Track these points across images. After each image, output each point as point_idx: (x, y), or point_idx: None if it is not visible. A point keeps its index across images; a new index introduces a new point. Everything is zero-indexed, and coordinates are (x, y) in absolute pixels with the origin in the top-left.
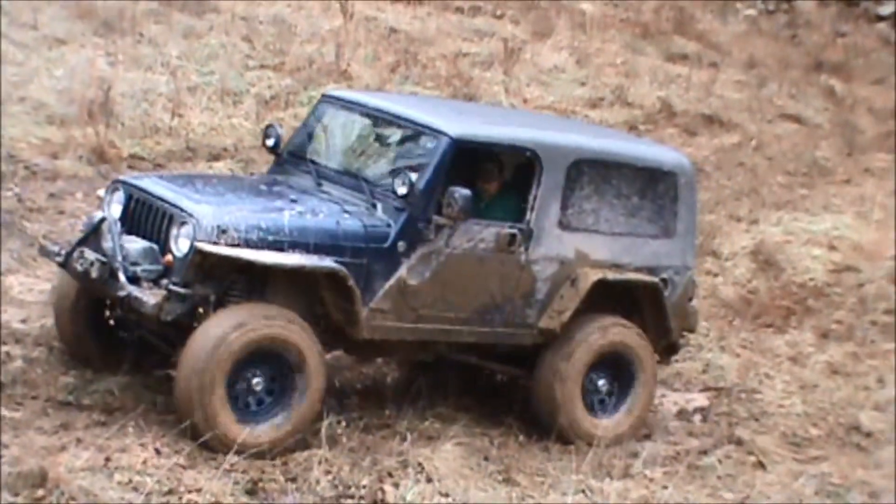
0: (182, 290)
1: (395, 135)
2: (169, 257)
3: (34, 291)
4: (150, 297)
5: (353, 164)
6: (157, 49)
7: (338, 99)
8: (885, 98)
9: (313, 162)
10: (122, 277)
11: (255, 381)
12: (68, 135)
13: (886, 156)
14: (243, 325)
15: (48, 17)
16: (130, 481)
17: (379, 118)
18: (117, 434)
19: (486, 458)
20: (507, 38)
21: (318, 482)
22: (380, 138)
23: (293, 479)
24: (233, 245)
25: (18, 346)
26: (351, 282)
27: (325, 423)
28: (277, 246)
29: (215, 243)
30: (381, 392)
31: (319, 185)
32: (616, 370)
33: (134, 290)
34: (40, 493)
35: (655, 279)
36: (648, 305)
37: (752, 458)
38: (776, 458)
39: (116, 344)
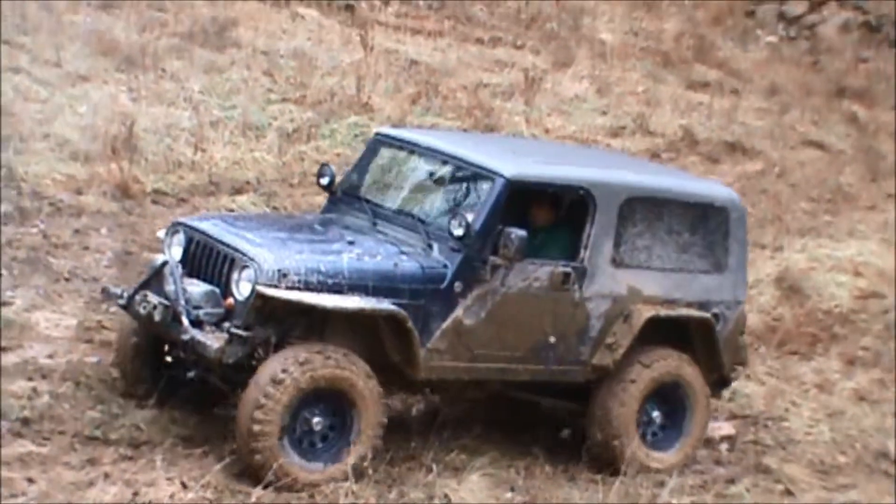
0: (243, 333)
1: (449, 174)
2: (230, 300)
3: (60, 327)
4: (213, 340)
5: (407, 203)
6: (179, 84)
7: (391, 138)
8: None
9: (367, 201)
10: (185, 321)
11: (314, 420)
12: (92, 171)
13: None
14: (305, 363)
15: (71, 55)
16: None
17: (432, 157)
18: (144, 468)
19: (512, 489)
20: (527, 69)
21: None
22: (434, 178)
23: None
24: (293, 288)
25: (45, 381)
26: (410, 324)
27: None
28: (336, 288)
29: (276, 287)
30: (406, 424)
31: (374, 224)
32: (670, 402)
33: (197, 334)
34: None
35: (707, 314)
36: (700, 340)
37: (780, 487)
38: (804, 486)
39: (174, 383)
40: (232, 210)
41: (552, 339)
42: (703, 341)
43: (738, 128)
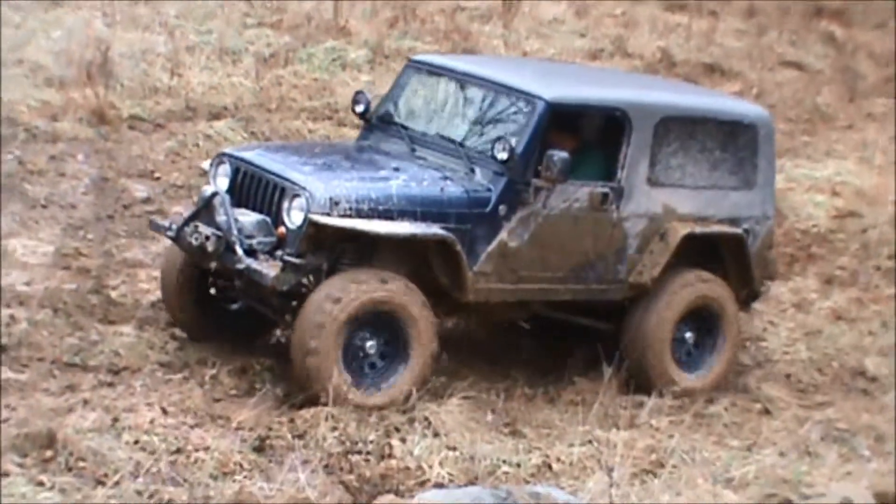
0: (297, 261)
1: (486, 98)
2: (282, 229)
3: (37, 254)
4: (268, 268)
5: (445, 129)
6: (154, 9)
7: (426, 63)
8: (885, 43)
9: (405, 127)
10: (239, 251)
11: (368, 344)
12: (67, 97)
13: (888, 101)
14: (361, 285)
15: None
16: (138, 441)
17: (469, 82)
18: (124, 394)
19: (492, 412)
20: None
21: (324, 438)
22: (470, 102)
23: (300, 436)
24: (344, 215)
25: (23, 308)
26: (458, 248)
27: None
28: (387, 215)
29: (328, 215)
30: None
31: (413, 150)
32: (703, 323)
33: (252, 263)
34: (48, 454)
35: (739, 230)
36: (732, 256)
37: (758, 406)
38: (781, 404)
39: (219, 313)
40: (209, 136)
41: (592, 259)
42: (735, 257)
43: (717, 49)
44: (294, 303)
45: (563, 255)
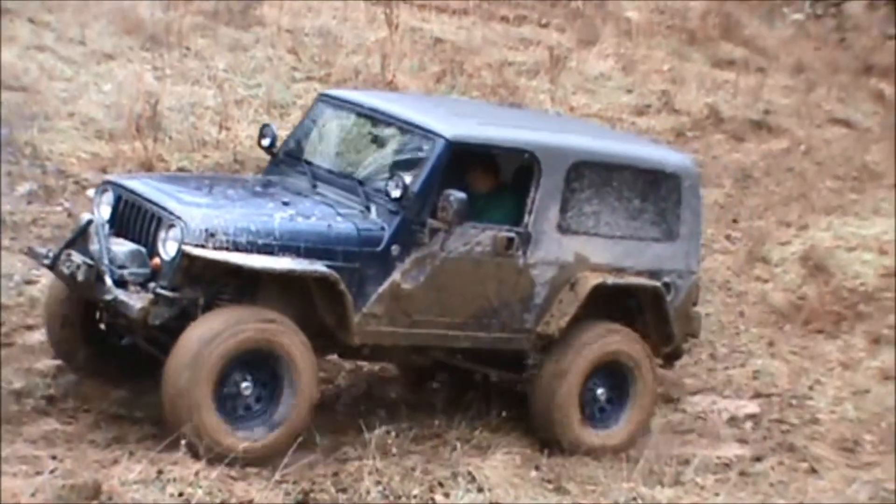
0: (169, 294)
1: (390, 135)
2: (157, 260)
3: None
4: (136, 300)
5: (347, 165)
6: (203, 62)
7: (334, 98)
8: None
9: (308, 163)
10: (108, 281)
11: (243, 385)
12: (117, 149)
13: None
14: (233, 326)
15: (95, 33)
16: (182, 494)
17: (375, 118)
18: (169, 446)
19: (536, 468)
20: (552, 47)
21: (368, 492)
22: (375, 139)
23: (344, 490)
24: (221, 248)
25: None
26: (342, 286)
27: (376, 433)
28: (267, 249)
29: (203, 246)
30: (430, 403)
31: (315, 186)
32: (615, 379)
33: (120, 294)
34: None
35: (657, 283)
36: (650, 310)
37: (805, 465)
38: (829, 464)
39: (107, 350)
40: None
41: (495, 306)
42: (654, 311)
43: (764, 106)
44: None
45: (462, 301)
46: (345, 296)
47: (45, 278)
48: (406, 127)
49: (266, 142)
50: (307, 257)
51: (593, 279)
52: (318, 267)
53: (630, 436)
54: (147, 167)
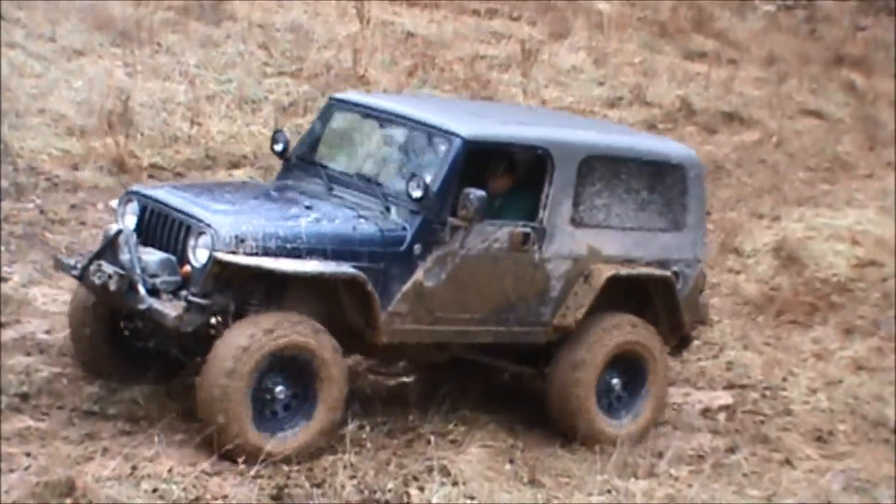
0: (201, 301)
1: (405, 137)
2: (186, 268)
3: (58, 302)
4: (170, 308)
5: (363, 167)
6: (174, 58)
7: (346, 102)
8: None
9: (323, 166)
10: (141, 290)
11: (277, 389)
12: (88, 146)
13: None
14: (269, 332)
15: (66, 29)
16: (157, 490)
17: (388, 120)
18: (143, 443)
19: (511, 461)
20: (524, 40)
21: (343, 487)
22: (389, 141)
23: (318, 485)
24: (251, 253)
25: (43, 356)
26: (369, 287)
27: (350, 427)
28: (295, 253)
29: (233, 253)
30: (404, 397)
31: (331, 189)
32: (630, 369)
33: (154, 303)
34: (68, 502)
35: (667, 273)
36: (661, 299)
37: (778, 456)
38: (802, 455)
39: (132, 355)
40: None
41: (513, 301)
42: (664, 300)
43: (736, 98)
44: (203, 344)
45: (482, 297)
46: (372, 296)
47: (18, 276)
48: (421, 127)
49: (279, 147)
50: (333, 259)
51: (607, 271)
52: (347, 269)
53: (646, 425)
54: (119, 164)
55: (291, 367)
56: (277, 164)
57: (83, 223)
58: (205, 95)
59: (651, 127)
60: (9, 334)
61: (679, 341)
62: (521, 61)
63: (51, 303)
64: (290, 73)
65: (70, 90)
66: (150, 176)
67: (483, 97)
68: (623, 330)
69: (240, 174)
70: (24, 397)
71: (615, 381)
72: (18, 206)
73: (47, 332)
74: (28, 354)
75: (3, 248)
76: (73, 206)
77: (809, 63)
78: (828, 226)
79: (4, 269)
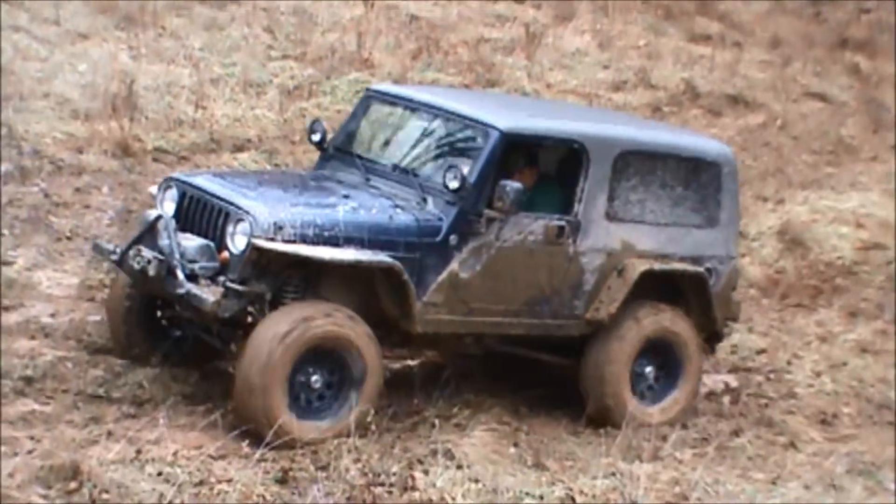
0: (239, 287)
1: (442, 129)
2: (225, 254)
3: (62, 286)
4: (209, 294)
5: (400, 158)
6: (179, 42)
7: (383, 94)
8: None
9: (360, 157)
10: (180, 275)
11: (313, 377)
12: (93, 129)
13: None
14: (304, 323)
15: (70, 13)
16: (161, 473)
17: (425, 112)
18: (148, 426)
19: (515, 444)
20: (528, 23)
21: (347, 470)
22: (426, 132)
23: (323, 468)
24: (289, 241)
25: (48, 340)
26: (405, 276)
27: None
28: (332, 241)
29: (272, 240)
30: (409, 380)
31: (368, 179)
32: (663, 357)
33: (193, 288)
34: (72, 485)
35: (700, 269)
36: (693, 295)
37: (783, 439)
38: (806, 437)
39: (168, 342)
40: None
41: (547, 293)
42: (697, 296)
43: (740, 80)
44: (239, 331)
45: (516, 288)
46: (408, 286)
47: (22, 259)
48: (458, 119)
49: (316, 137)
50: (370, 248)
51: (641, 266)
52: (383, 258)
53: (682, 409)
54: (123, 147)
55: (328, 357)
56: (282, 147)
57: (87, 206)
58: (209, 79)
59: (656, 110)
60: (12, 318)
61: (710, 337)
62: (525, 44)
63: (55, 286)
64: (295, 56)
65: (74, 73)
66: (155, 160)
67: (488, 81)
68: (655, 318)
69: (244, 157)
70: (29, 381)
71: (649, 369)
72: (23, 189)
73: (52, 315)
74: (32, 338)
75: (6, 232)
76: (77, 190)
77: (814, 46)
78: (832, 209)
79: (8, 252)
